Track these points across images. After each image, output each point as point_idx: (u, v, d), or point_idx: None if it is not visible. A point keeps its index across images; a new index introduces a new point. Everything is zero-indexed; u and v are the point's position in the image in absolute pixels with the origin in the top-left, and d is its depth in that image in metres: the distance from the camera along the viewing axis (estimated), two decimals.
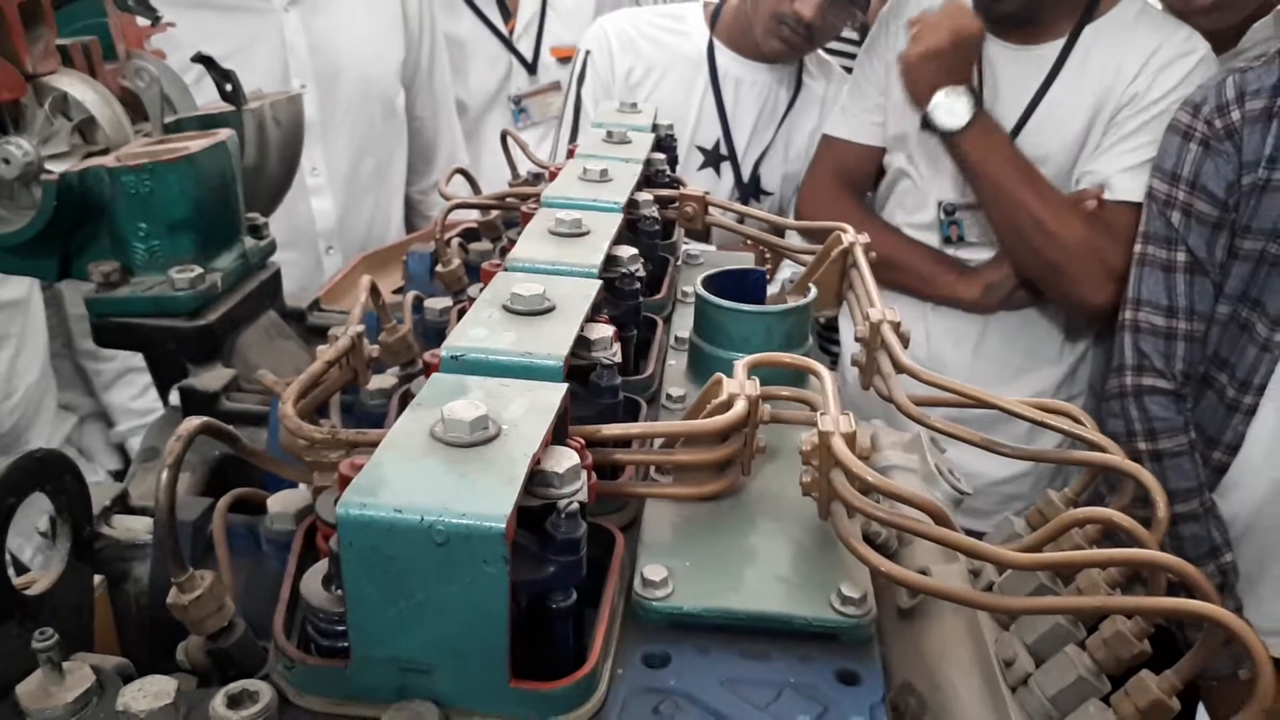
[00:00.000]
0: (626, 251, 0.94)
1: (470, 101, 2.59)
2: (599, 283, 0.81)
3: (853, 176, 2.00)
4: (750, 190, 2.13)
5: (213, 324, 0.91)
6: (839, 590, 0.63)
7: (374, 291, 0.91)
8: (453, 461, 0.55)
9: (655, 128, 1.43)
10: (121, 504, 0.75)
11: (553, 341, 0.70)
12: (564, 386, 0.64)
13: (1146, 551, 0.60)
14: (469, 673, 0.55)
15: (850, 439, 0.67)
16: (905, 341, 0.84)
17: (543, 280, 0.79)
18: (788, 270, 2.00)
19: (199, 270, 0.91)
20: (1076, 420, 0.77)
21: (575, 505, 0.57)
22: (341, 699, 0.56)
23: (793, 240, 1.34)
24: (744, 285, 0.95)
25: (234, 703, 0.54)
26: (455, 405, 0.58)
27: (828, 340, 2.17)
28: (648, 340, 0.99)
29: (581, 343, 0.75)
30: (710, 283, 0.93)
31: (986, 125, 1.74)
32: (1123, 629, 0.62)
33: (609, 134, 1.29)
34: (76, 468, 0.60)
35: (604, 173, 1.11)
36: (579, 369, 0.74)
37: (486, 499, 0.52)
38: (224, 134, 0.95)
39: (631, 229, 1.09)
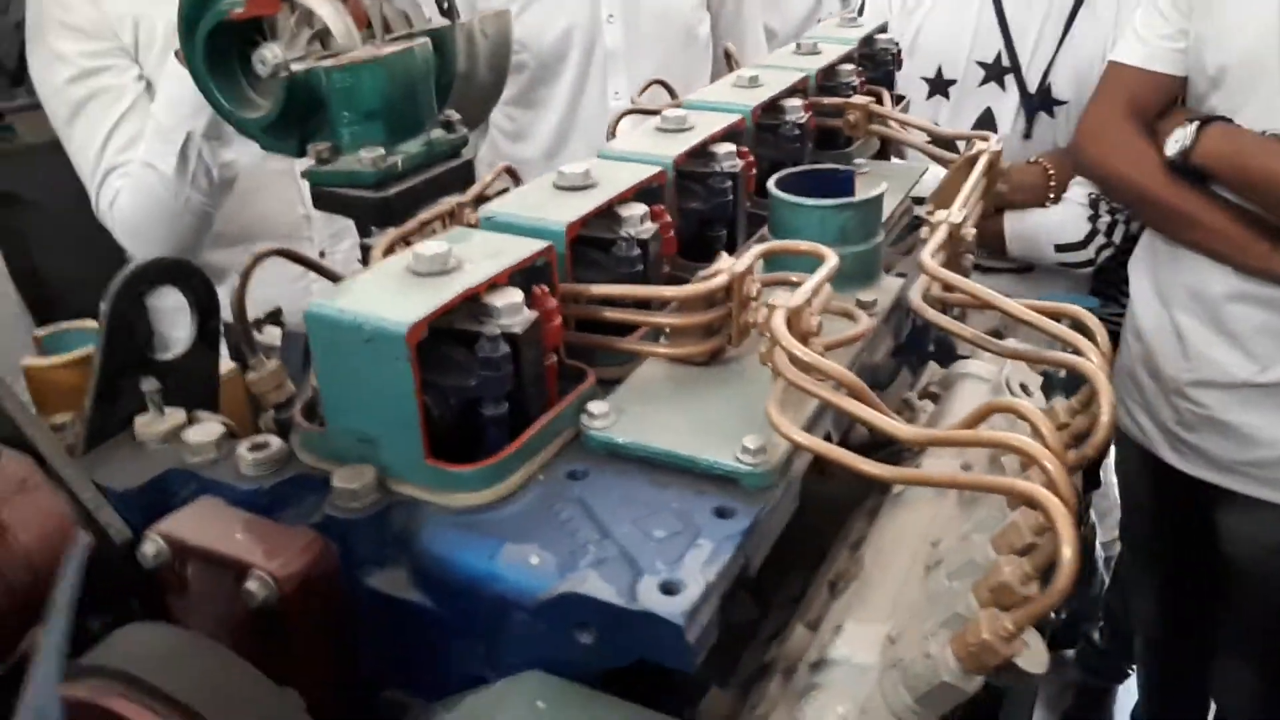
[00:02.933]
0: (724, 149, 1.01)
1: (781, 29, 2.66)
2: (654, 169, 0.90)
3: (1145, 111, 1.82)
4: (1038, 103, 1.98)
5: (390, 197, 1.12)
6: (743, 442, 0.69)
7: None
8: (404, 284, 0.70)
9: (870, 40, 1.45)
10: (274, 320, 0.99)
11: (569, 211, 0.82)
12: (541, 244, 0.75)
13: (1003, 435, 0.60)
14: (398, 447, 0.69)
15: (795, 314, 0.72)
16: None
17: (605, 165, 0.91)
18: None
19: (382, 152, 1.12)
20: (1081, 324, 0.74)
21: (499, 333, 0.69)
22: (322, 458, 0.73)
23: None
24: (830, 185, 0.98)
25: (254, 448, 0.74)
26: (429, 244, 0.72)
27: None
28: None
29: (611, 217, 0.86)
30: (793, 181, 0.97)
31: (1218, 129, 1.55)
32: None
33: (798, 46, 1.34)
34: (206, 276, 0.83)
35: (754, 79, 1.18)
36: (604, 240, 0.85)
37: (405, 310, 0.66)
38: (416, 43, 1.15)
39: (773, 134, 1.15)
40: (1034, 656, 0.77)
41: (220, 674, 0.64)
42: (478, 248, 0.75)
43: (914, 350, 1.10)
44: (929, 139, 1.22)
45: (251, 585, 0.66)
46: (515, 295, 0.71)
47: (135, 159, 1.84)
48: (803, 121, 1.16)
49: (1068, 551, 0.53)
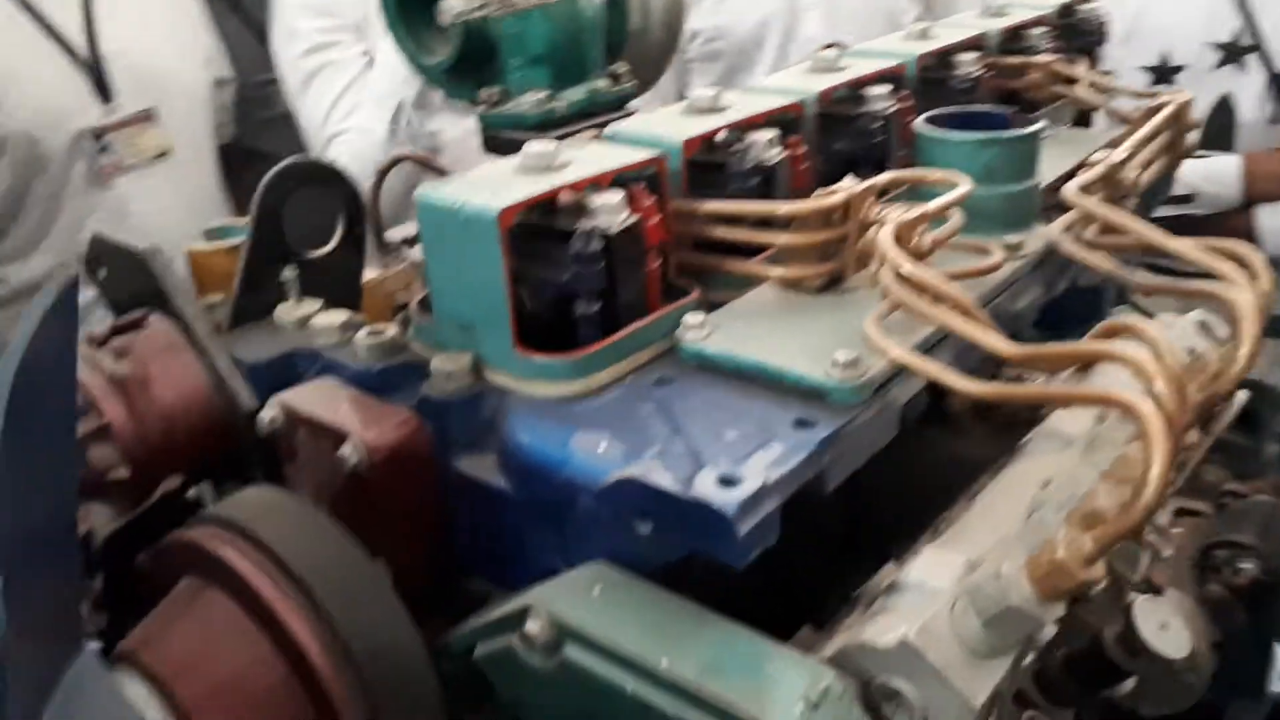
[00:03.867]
0: (878, 90, 0.98)
1: None
2: (789, 99, 0.89)
3: None
4: None
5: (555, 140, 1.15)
6: (834, 355, 0.66)
7: None
8: (509, 177, 0.71)
9: (1070, 10, 1.36)
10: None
11: (688, 129, 0.81)
12: (651, 153, 0.75)
13: (1106, 346, 0.54)
14: (492, 335, 0.71)
15: (906, 229, 0.69)
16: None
17: (742, 95, 0.90)
18: None
19: (546, 95, 1.16)
20: (1241, 260, 0.66)
21: (593, 230, 0.69)
22: (429, 345, 0.76)
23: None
24: (988, 127, 0.92)
25: (370, 334, 0.78)
26: (538, 144, 0.73)
27: None
28: None
29: (738, 143, 0.85)
30: (944, 121, 0.92)
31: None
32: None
33: (985, 8, 1.28)
34: (353, 184, 0.88)
35: (924, 32, 1.13)
36: (727, 166, 0.84)
37: (502, 196, 0.67)
38: None
39: (939, 86, 1.10)
40: (1173, 639, 0.69)
41: (318, 537, 0.68)
42: (589, 153, 0.75)
43: (1073, 317, 1.01)
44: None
45: (346, 451, 0.70)
46: (615, 196, 0.71)
47: (353, 125, 1.99)
48: (973, 76, 1.10)
49: (1156, 464, 0.47)
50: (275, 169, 0.84)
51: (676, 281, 0.79)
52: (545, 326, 0.73)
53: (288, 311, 0.84)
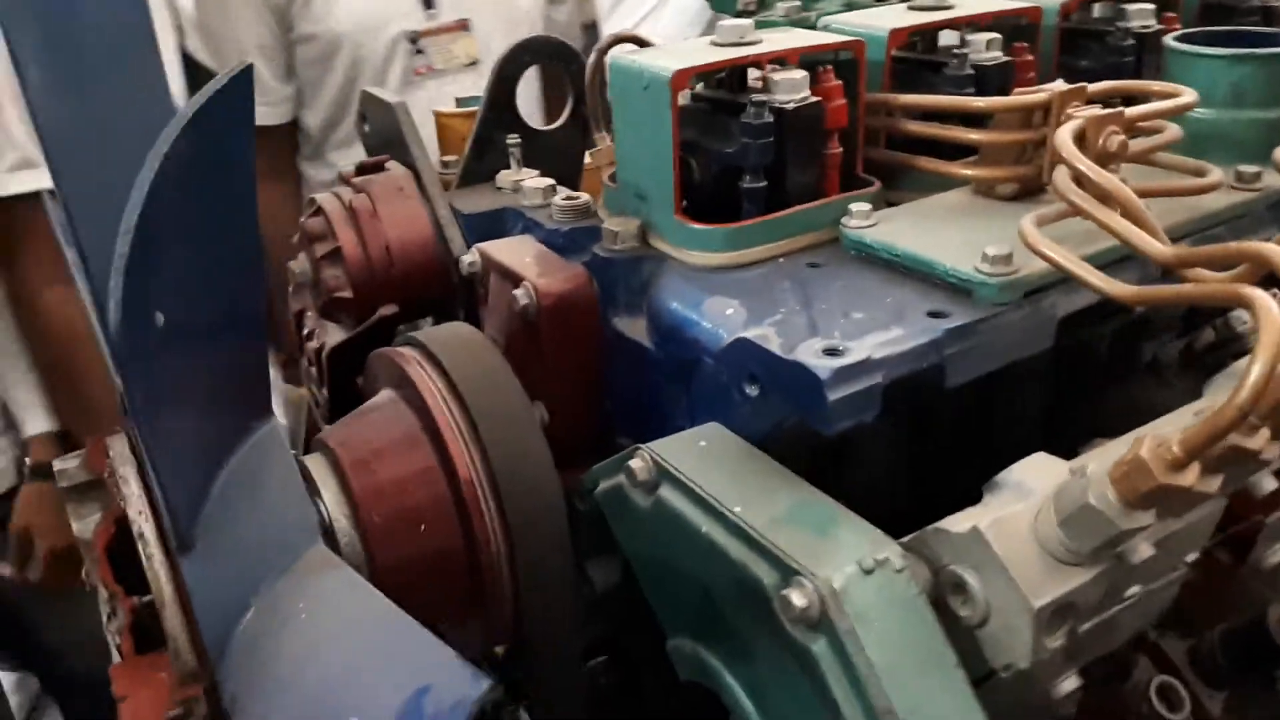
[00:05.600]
0: (1137, 7, 0.90)
1: None
2: (1023, 3, 0.84)
3: None
4: None
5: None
6: (984, 251, 0.63)
7: None
8: (699, 50, 0.74)
9: None
10: None
11: (898, 22, 0.79)
12: (843, 39, 0.75)
13: (1249, 244, 0.48)
14: (658, 202, 0.75)
15: (1093, 127, 0.64)
16: None
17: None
18: None
19: (799, 4, 1.17)
20: None
21: (765, 104, 0.70)
22: (612, 213, 0.81)
23: None
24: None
25: (566, 198, 0.84)
26: (732, 20, 0.75)
27: None
28: None
29: (956, 43, 0.82)
30: (1201, 39, 0.82)
31: None
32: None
33: None
34: (581, 58, 0.95)
35: None
36: (939, 64, 0.81)
37: (679, 62, 0.70)
38: None
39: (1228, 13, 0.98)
40: None
41: (490, 373, 0.75)
42: (785, 34, 0.76)
43: None
44: None
45: (518, 293, 0.76)
46: (796, 74, 0.72)
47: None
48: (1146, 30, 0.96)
49: (1259, 362, 0.42)
50: (514, 43, 0.92)
51: (863, 176, 0.79)
52: (714, 199, 0.75)
53: (506, 176, 0.92)
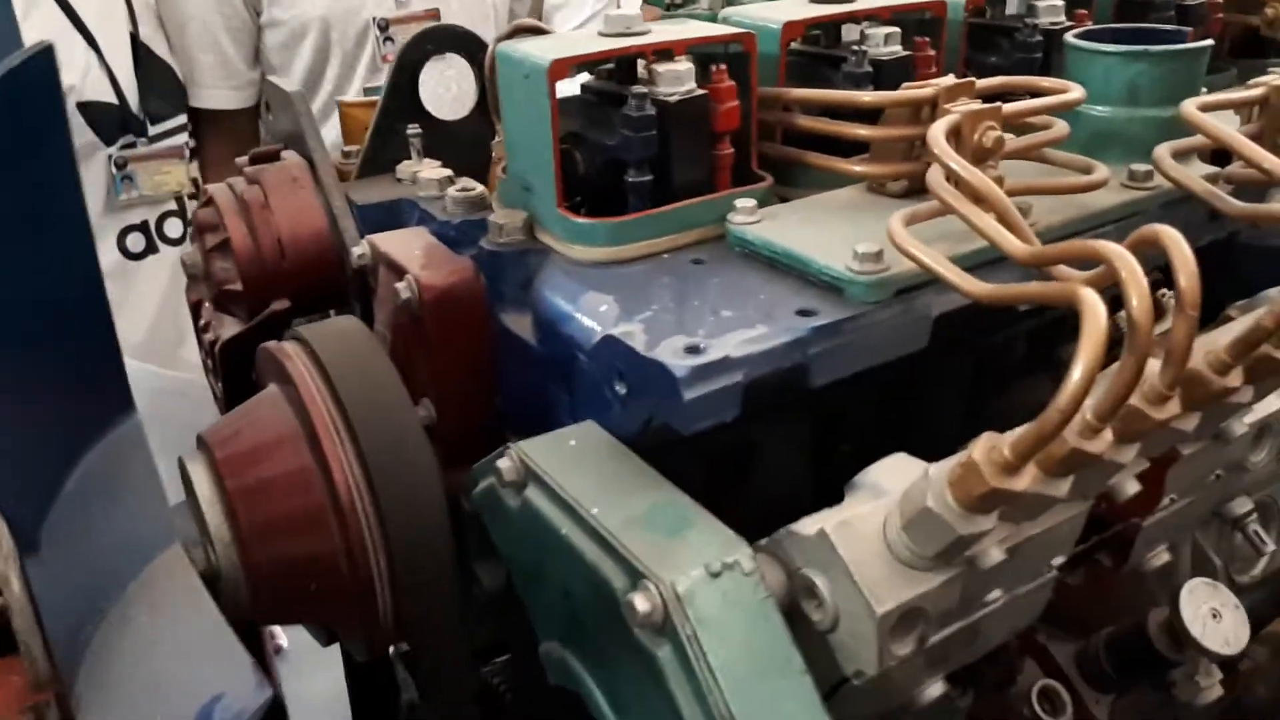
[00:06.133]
0: (1049, 3, 0.89)
1: None
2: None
3: None
4: None
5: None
6: (855, 249, 0.62)
7: None
8: (585, 40, 0.72)
9: None
10: None
11: (796, 14, 0.78)
12: (732, 31, 0.73)
13: (1092, 242, 0.47)
14: (542, 193, 0.73)
15: (969, 124, 0.63)
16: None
17: None
18: None
19: None
20: None
21: (647, 96, 0.69)
22: (503, 204, 0.79)
23: None
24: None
25: (460, 190, 0.82)
26: (625, 12, 0.73)
27: None
28: None
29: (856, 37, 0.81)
30: (1104, 36, 0.81)
31: None
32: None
33: None
34: (485, 48, 0.92)
35: None
36: (837, 59, 0.80)
37: (560, 52, 0.69)
38: None
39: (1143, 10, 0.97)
40: (1220, 632, 0.61)
41: (369, 367, 0.73)
42: (676, 25, 0.75)
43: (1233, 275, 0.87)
44: None
45: (400, 286, 0.75)
46: (679, 66, 0.70)
47: None
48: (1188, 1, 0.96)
49: (1080, 361, 0.41)
50: (418, 31, 0.90)
51: (757, 172, 0.77)
52: (601, 192, 0.74)
53: (406, 167, 0.90)
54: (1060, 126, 0.69)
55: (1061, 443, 0.45)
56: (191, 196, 1.82)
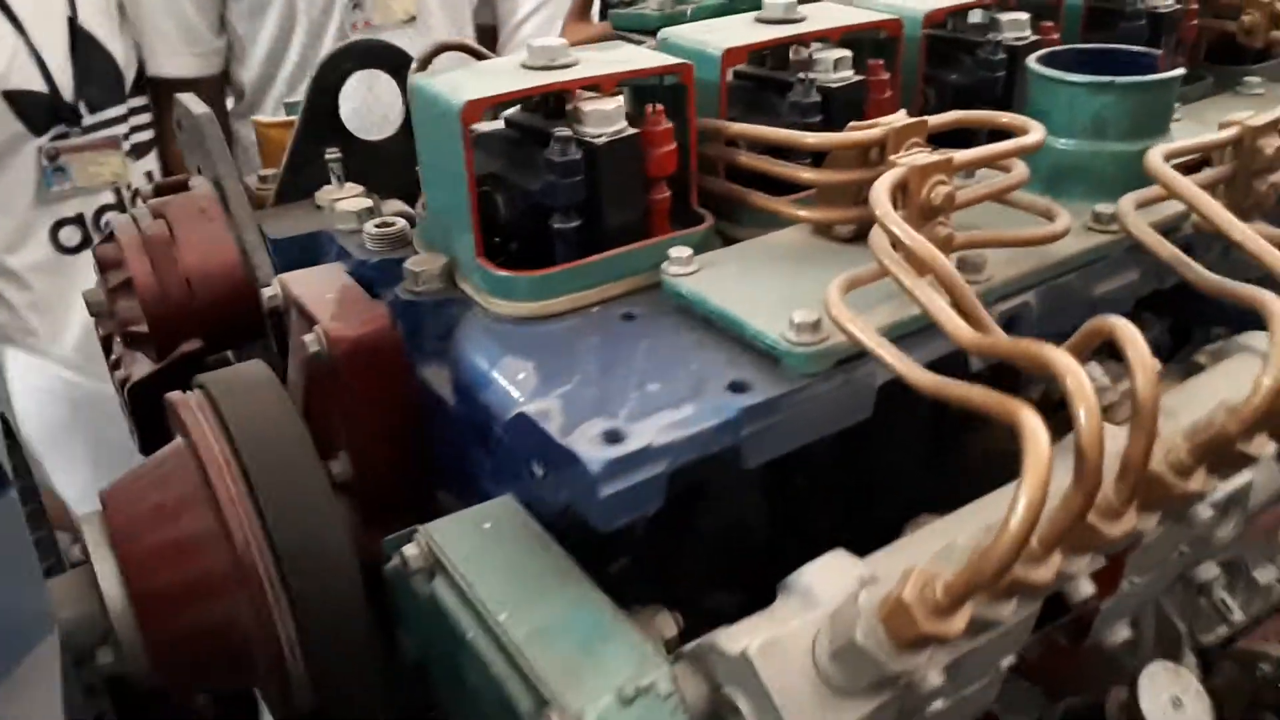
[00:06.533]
0: (1012, 17, 0.83)
1: None
2: (880, 15, 0.76)
3: None
4: None
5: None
6: (792, 317, 0.57)
7: None
8: (505, 73, 0.66)
9: None
10: None
11: (737, 38, 0.72)
12: (673, 62, 0.67)
13: (1037, 346, 0.42)
14: (461, 243, 0.67)
15: (917, 178, 0.57)
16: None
17: (830, 7, 0.79)
18: None
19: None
20: None
21: (572, 138, 0.63)
22: (424, 243, 0.73)
23: None
24: (1127, 71, 0.75)
25: (379, 225, 0.76)
26: (546, 40, 0.67)
27: None
28: None
29: (803, 60, 0.75)
30: (1070, 58, 0.75)
31: None
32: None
33: None
34: (410, 63, 0.86)
35: None
36: (784, 84, 0.74)
37: (475, 90, 0.62)
38: None
39: (1114, 20, 0.91)
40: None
41: (273, 422, 0.68)
42: (607, 55, 0.69)
43: (1200, 314, 0.83)
44: None
45: (308, 338, 0.69)
46: (608, 104, 0.64)
47: None
48: (1160, 9, 0.90)
49: (1021, 500, 0.37)
50: (336, 48, 0.84)
51: (698, 211, 0.72)
52: (525, 239, 0.68)
53: (326, 193, 0.84)
54: (1019, 171, 0.63)
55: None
56: (135, 192, 1.73)
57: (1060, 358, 0.41)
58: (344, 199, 0.81)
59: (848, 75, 0.74)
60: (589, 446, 0.52)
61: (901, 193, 0.57)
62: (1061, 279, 0.66)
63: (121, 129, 1.75)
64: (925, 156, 0.57)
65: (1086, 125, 0.70)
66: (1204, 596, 0.68)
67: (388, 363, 0.70)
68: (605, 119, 0.64)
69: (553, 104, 0.68)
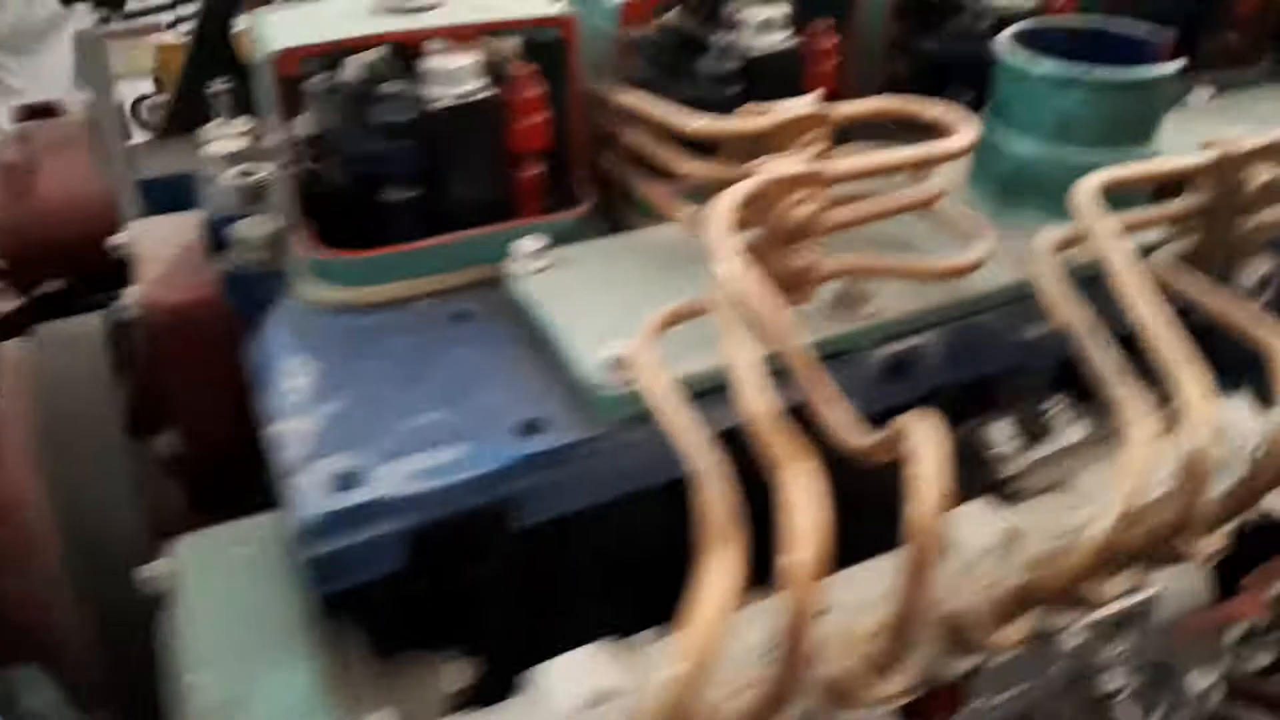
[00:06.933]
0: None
1: None
2: None
3: None
4: None
5: None
6: (603, 352, 0.46)
7: None
8: (350, 17, 0.56)
9: None
10: None
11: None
12: (551, 14, 0.56)
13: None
14: (284, 212, 0.58)
15: (771, 190, 0.46)
16: None
17: None
18: None
19: None
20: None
21: (408, 97, 0.53)
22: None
23: None
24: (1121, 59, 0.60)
25: (241, 174, 0.67)
26: None
27: None
28: None
29: (723, 21, 0.63)
30: (1048, 38, 0.60)
31: None
32: None
33: None
34: None
35: None
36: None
37: (298, 36, 0.53)
38: None
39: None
40: None
41: (79, 389, 0.63)
42: (481, 3, 0.57)
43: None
44: None
45: (128, 301, 0.62)
46: (457, 62, 0.54)
47: None
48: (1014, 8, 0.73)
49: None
50: None
51: (578, 192, 0.61)
52: (361, 216, 0.58)
53: (210, 129, 0.76)
54: (928, 188, 0.51)
55: None
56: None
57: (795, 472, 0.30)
58: (222, 138, 0.73)
59: (778, 39, 0.61)
60: (312, 491, 0.43)
61: (759, 209, 0.46)
62: (974, 318, 0.53)
63: (166, 17, 1.69)
64: (789, 166, 0.46)
65: (1050, 125, 0.56)
66: (1104, 708, 0.56)
67: (211, 335, 0.63)
68: (450, 78, 0.54)
69: (402, 62, 0.58)
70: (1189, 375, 0.39)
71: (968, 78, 0.67)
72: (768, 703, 0.30)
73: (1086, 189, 0.47)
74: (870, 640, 0.36)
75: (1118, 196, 0.51)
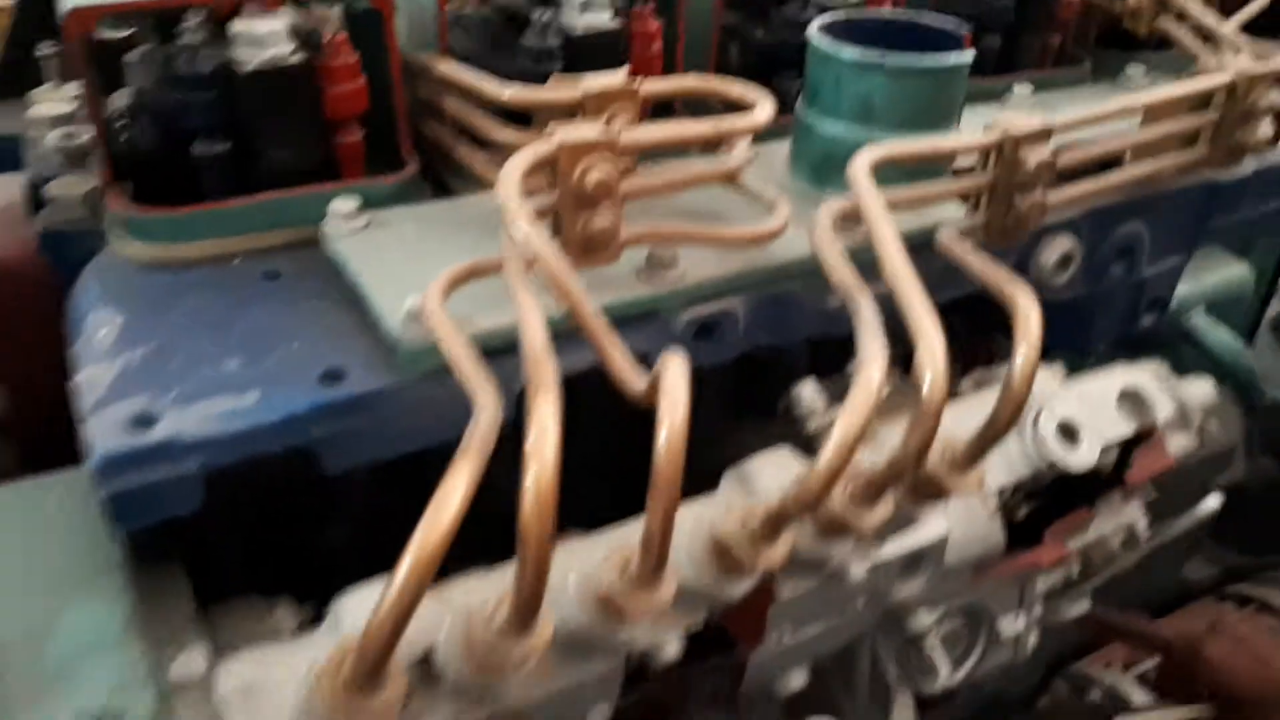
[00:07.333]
0: None
1: None
2: None
3: None
4: None
5: None
6: (407, 304, 0.48)
7: None
8: None
9: None
10: None
11: None
12: None
13: None
14: (100, 169, 0.58)
15: (566, 155, 0.49)
16: None
17: None
18: None
19: None
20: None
21: (206, 59, 0.54)
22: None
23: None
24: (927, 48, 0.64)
25: (64, 136, 0.67)
26: None
27: None
28: None
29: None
30: (858, 28, 0.65)
31: None
32: None
33: None
34: None
35: None
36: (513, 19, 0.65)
37: None
38: None
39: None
40: None
41: None
42: None
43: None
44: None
45: None
46: (266, 25, 0.55)
47: None
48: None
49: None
50: None
51: (406, 156, 0.63)
52: (176, 176, 0.59)
53: (40, 93, 0.75)
54: (730, 159, 0.54)
55: None
56: None
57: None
58: (49, 101, 0.72)
59: (600, 20, 0.64)
60: (108, 430, 0.44)
61: (553, 175, 0.48)
62: (779, 286, 0.57)
63: None
64: (581, 133, 0.48)
65: (854, 108, 0.60)
66: (915, 648, 0.61)
67: (30, 293, 0.62)
68: (255, 42, 0.55)
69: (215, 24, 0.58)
70: (928, 325, 0.43)
71: (796, 66, 0.71)
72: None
73: (860, 163, 0.51)
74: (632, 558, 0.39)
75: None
